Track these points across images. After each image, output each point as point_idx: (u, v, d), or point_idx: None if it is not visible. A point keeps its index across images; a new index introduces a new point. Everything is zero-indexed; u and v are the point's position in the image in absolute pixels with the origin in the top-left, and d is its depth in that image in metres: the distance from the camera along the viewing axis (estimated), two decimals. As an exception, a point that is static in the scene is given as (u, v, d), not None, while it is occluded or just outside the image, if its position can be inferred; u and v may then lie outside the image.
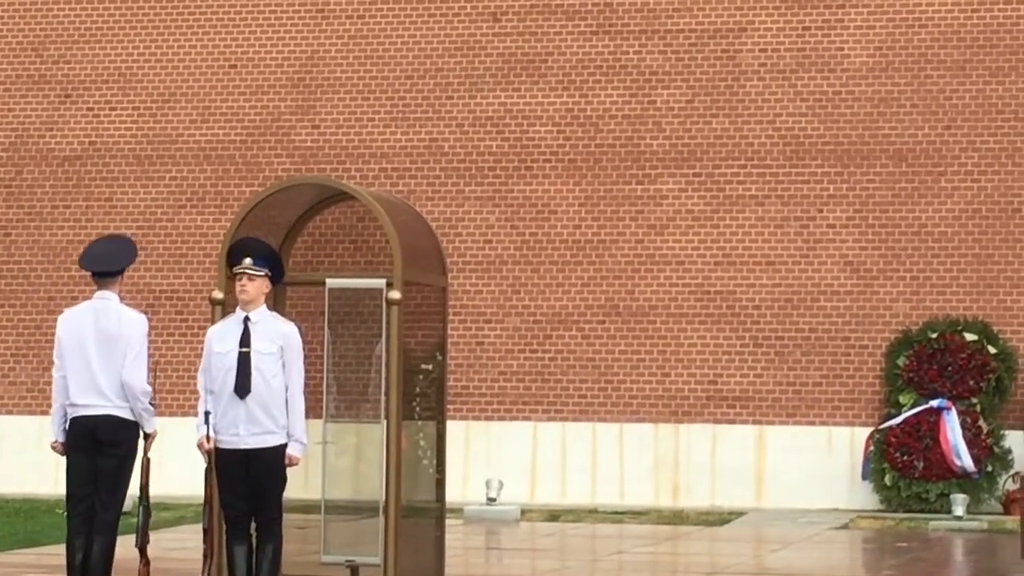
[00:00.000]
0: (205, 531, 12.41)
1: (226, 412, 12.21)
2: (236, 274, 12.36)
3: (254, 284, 12.34)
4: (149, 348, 12.65)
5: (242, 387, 12.18)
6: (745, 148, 23.60)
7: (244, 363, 12.21)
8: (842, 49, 23.47)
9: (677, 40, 23.84)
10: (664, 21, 23.87)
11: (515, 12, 24.22)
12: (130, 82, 25.02)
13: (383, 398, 13.33)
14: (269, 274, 12.40)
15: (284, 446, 12.22)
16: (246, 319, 12.30)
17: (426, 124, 24.32)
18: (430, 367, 14.27)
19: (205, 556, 12.39)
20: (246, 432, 12.15)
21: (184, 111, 24.87)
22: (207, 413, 12.24)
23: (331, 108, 24.56)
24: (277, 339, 12.26)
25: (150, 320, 13.13)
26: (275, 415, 12.19)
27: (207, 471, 12.27)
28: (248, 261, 12.31)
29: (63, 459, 12.53)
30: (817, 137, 23.46)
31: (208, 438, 12.20)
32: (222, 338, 12.35)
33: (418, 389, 14.07)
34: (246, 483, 12.19)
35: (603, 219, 23.86)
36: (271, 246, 12.78)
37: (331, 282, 13.67)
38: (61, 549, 12.61)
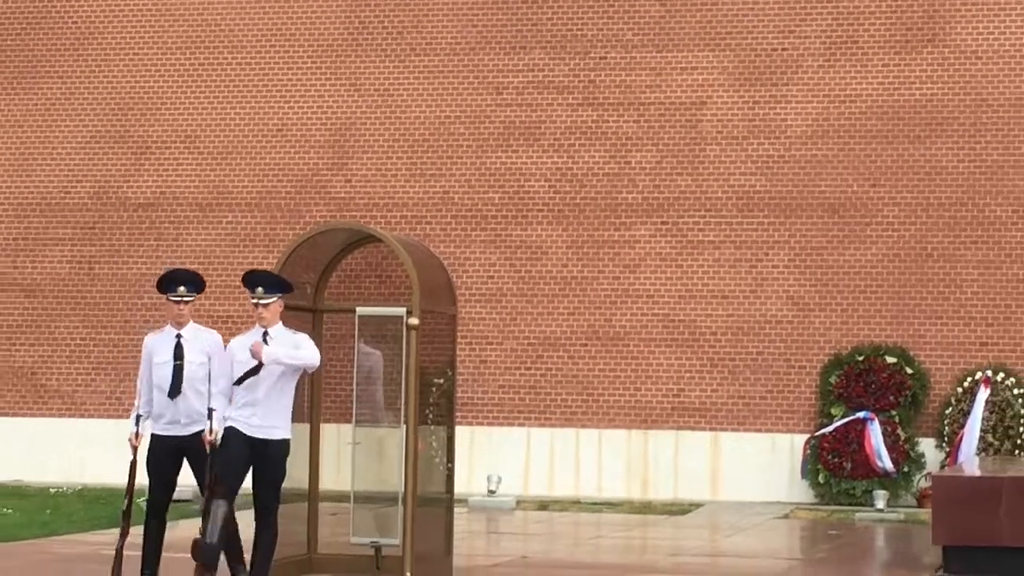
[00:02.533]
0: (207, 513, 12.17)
1: (247, 405, 12.19)
2: (254, 303, 12.35)
3: (269, 310, 12.30)
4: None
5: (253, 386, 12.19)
6: (704, 201, 23.62)
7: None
8: (785, 120, 23.50)
9: (649, 111, 23.88)
10: (638, 95, 23.91)
11: (514, 87, 24.27)
12: (194, 142, 25.06)
13: (403, 407, 13.32)
14: (281, 296, 12.36)
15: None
16: (265, 333, 12.28)
17: (439, 179, 24.35)
18: (442, 381, 14.23)
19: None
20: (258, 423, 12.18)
21: (239, 166, 24.89)
22: (211, 410, 12.18)
23: (361, 165, 24.59)
24: (293, 346, 12.30)
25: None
26: (280, 412, 12.26)
27: (212, 460, 12.17)
28: (260, 290, 12.28)
29: (138, 453, 12.38)
30: (764, 192, 23.47)
31: (211, 431, 12.12)
32: (243, 348, 12.27)
33: (431, 399, 14.01)
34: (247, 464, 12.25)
35: (586, 259, 23.88)
36: (275, 274, 12.70)
37: (360, 310, 13.64)
38: (136, 530, 12.54)
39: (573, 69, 24.10)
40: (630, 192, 23.83)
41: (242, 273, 12.82)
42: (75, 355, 25.01)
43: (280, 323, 12.37)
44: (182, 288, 12.48)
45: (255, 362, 12.06)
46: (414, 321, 13.24)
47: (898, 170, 23.14)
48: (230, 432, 12.11)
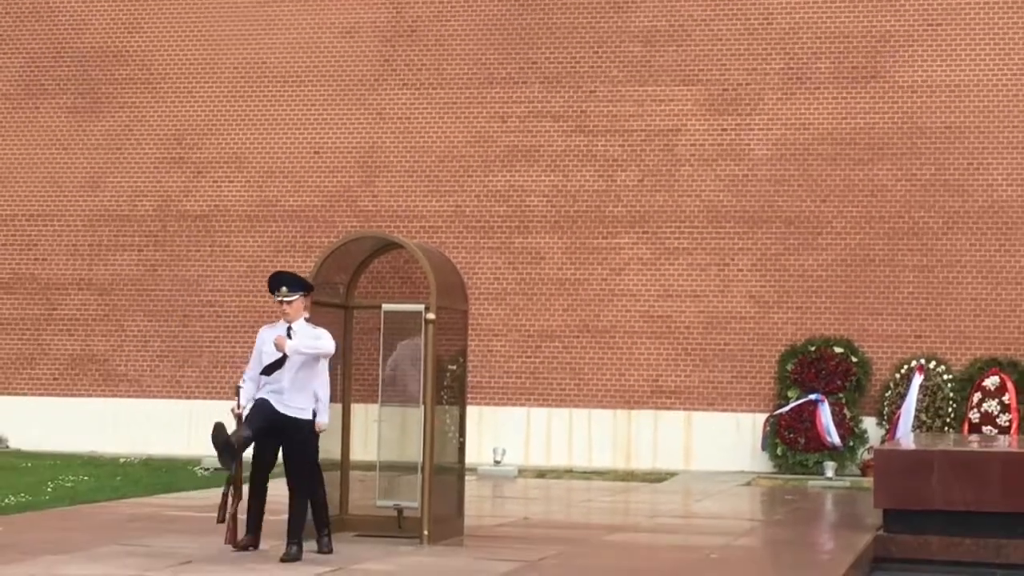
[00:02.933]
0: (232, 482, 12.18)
1: (274, 392, 12.07)
2: (279, 300, 12.26)
3: (292, 307, 12.18)
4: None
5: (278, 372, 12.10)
6: (679, 214, 23.68)
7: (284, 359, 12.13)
8: (749, 144, 23.57)
9: (632, 137, 23.94)
10: (623, 123, 23.98)
11: (517, 116, 24.34)
12: (243, 163, 25.13)
13: (422, 389, 13.34)
14: (302, 294, 12.25)
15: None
16: (289, 328, 12.20)
17: (453, 195, 24.41)
18: (455, 367, 14.16)
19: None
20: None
21: (281, 184, 24.96)
22: (239, 387, 12.11)
23: (386, 183, 24.65)
24: (313, 338, 12.19)
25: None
26: (304, 396, 12.11)
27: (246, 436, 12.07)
28: (285, 289, 12.18)
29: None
30: (731, 206, 23.54)
31: (239, 405, 12.05)
32: (269, 341, 12.17)
33: (446, 383, 13.96)
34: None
35: (578, 264, 23.94)
36: (297, 275, 12.56)
37: (386, 307, 13.60)
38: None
39: (567, 101, 24.16)
40: (616, 206, 23.89)
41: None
42: (141, 345, 25.08)
43: (303, 318, 12.26)
44: (284, 288, 12.43)
45: (280, 354, 11.99)
46: (431, 316, 13.25)
47: (845, 188, 23.21)
48: (262, 400, 11.97)
